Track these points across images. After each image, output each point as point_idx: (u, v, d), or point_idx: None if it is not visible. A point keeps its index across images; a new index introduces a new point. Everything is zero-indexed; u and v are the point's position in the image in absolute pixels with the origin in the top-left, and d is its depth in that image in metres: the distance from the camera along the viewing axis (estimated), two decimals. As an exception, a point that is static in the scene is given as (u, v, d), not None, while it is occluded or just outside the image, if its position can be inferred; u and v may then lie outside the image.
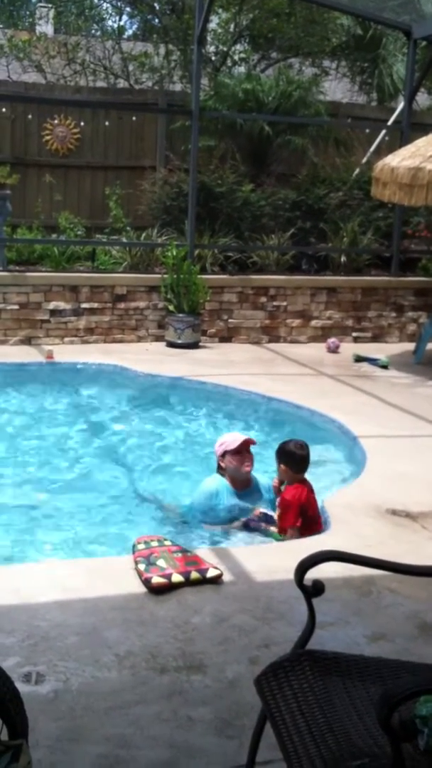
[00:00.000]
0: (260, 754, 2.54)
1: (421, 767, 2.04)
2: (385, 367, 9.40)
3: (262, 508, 5.25)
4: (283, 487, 5.20)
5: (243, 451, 5.28)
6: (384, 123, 12.41)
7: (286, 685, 2.32)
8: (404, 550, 4.41)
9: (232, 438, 5.35)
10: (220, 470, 5.39)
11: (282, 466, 5.15)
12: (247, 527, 5.18)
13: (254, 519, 5.20)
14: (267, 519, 5.19)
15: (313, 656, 2.43)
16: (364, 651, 3.30)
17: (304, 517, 4.95)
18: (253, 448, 5.37)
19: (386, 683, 2.32)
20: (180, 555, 4.11)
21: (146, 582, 3.86)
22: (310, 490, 5.13)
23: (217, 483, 5.34)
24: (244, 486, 5.37)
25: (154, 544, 4.23)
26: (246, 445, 5.29)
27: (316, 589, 2.47)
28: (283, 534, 5.01)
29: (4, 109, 12.20)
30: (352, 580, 4.00)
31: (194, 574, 3.93)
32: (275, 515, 5.14)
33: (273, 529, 5.10)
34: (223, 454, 5.32)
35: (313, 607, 2.50)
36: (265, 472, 5.65)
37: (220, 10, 14.26)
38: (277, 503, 5.15)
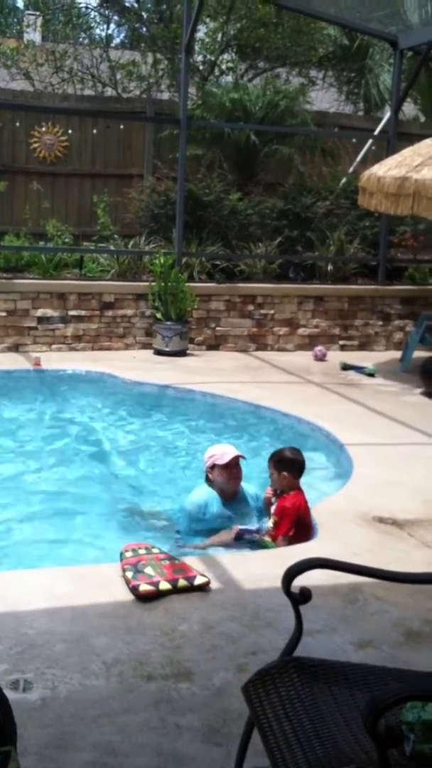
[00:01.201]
0: (248, 761, 2.55)
1: (407, 773, 2.06)
2: (371, 375, 9.44)
3: (240, 526, 5.19)
4: (274, 499, 5.18)
5: (232, 466, 5.28)
6: (370, 133, 12.50)
7: (274, 692, 2.33)
8: (391, 557, 4.43)
9: (222, 451, 5.34)
10: (208, 481, 5.38)
11: (283, 473, 5.11)
12: (239, 539, 5.14)
13: (246, 530, 5.17)
14: (249, 533, 5.16)
15: (300, 663, 2.44)
16: (350, 658, 3.31)
17: (299, 525, 4.95)
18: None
19: (373, 690, 2.33)
20: (167, 563, 4.12)
21: (134, 589, 3.86)
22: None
23: (206, 494, 5.34)
24: (233, 497, 5.38)
25: (142, 551, 4.23)
26: (235, 460, 5.29)
27: (304, 596, 2.48)
28: (274, 541, 5.00)
29: (-9, 117, 12.21)
30: (339, 588, 4.02)
31: (182, 582, 3.93)
32: (269, 523, 5.12)
33: (267, 538, 5.08)
34: (212, 467, 5.31)
35: (300, 614, 2.51)
36: (251, 479, 5.65)
37: (207, 20, 14.33)
38: (272, 511, 5.12)
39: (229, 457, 5.26)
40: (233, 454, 5.29)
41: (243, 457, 5.36)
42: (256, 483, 5.61)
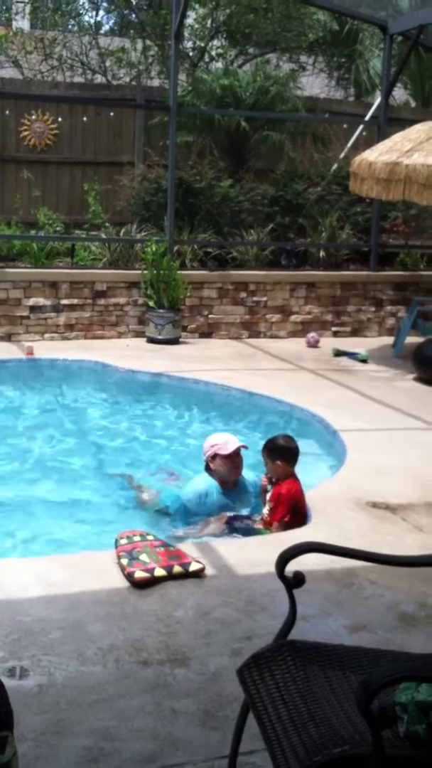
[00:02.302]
0: (243, 744, 2.57)
1: (401, 753, 2.08)
2: (364, 361, 9.46)
3: (229, 513, 5.21)
4: (270, 487, 5.19)
5: (234, 456, 5.27)
6: (361, 118, 12.48)
7: (268, 676, 2.35)
8: (384, 542, 4.45)
9: (223, 441, 5.30)
10: (208, 470, 5.37)
11: (278, 462, 5.10)
12: (231, 526, 5.16)
13: (236, 517, 5.19)
14: (239, 519, 5.18)
15: (294, 647, 2.46)
16: (344, 641, 3.34)
17: (294, 512, 4.96)
18: None
19: (366, 672, 2.36)
20: (162, 549, 4.14)
21: (129, 576, 3.88)
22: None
23: (206, 483, 5.33)
24: (233, 486, 5.38)
25: (137, 539, 4.25)
26: (237, 451, 5.29)
27: (297, 580, 2.50)
28: (269, 527, 5.02)
29: (-19, 105, 12.15)
30: (333, 572, 4.04)
31: (177, 568, 3.95)
32: (264, 511, 5.13)
33: (258, 525, 5.10)
34: (213, 456, 5.30)
35: (294, 598, 2.53)
36: (246, 467, 5.66)
37: (197, 6, 14.24)
38: (268, 498, 5.13)
39: (232, 448, 5.23)
40: (235, 444, 5.26)
41: (245, 447, 5.35)
42: (251, 470, 5.61)
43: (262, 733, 2.21)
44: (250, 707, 2.34)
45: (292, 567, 2.51)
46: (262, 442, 5.33)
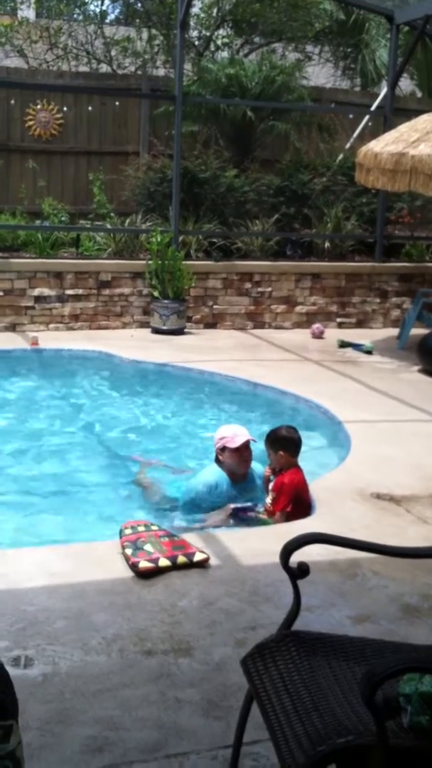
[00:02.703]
0: (247, 734, 2.58)
1: (404, 744, 2.08)
2: (369, 352, 9.45)
3: (233, 504, 5.21)
4: (273, 477, 5.19)
5: (242, 449, 5.26)
6: (367, 108, 12.43)
7: (272, 666, 2.36)
8: (388, 533, 4.46)
9: (232, 433, 5.27)
10: (218, 462, 5.37)
11: (280, 452, 5.10)
12: (235, 517, 5.16)
13: (240, 508, 5.19)
14: (243, 510, 5.18)
15: (298, 637, 2.46)
16: (348, 632, 3.34)
17: (297, 502, 4.97)
18: None
19: (370, 662, 2.36)
20: (167, 539, 4.14)
21: (133, 566, 3.89)
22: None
23: (216, 475, 5.31)
24: (242, 479, 5.37)
25: (141, 529, 4.26)
26: (246, 444, 5.28)
27: (301, 570, 2.50)
28: (271, 517, 5.02)
29: (-14, 95, 12.12)
30: (337, 563, 4.05)
31: (181, 558, 3.96)
32: (267, 501, 5.14)
33: (262, 516, 5.10)
34: (223, 449, 5.29)
35: (298, 588, 2.53)
36: (255, 458, 5.65)
37: (203, -5, 14.21)
38: (271, 487, 5.14)
39: (241, 441, 5.21)
40: (244, 437, 5.23)
41: (254, 440, 5.34)
42: (256, 461, 5.60)
43: (266, 723, 2.21)
44: (254, 697, 2.34)
45: (296, 558, 2.51)
46: (265, 434, 5.33)
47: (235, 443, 5.21)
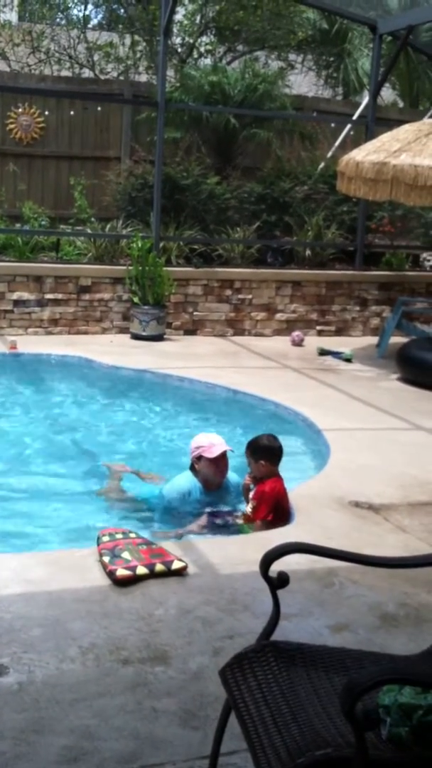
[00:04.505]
0: (225, 745, 2.56)
1: (384, 756, 2.07)
2: (348, 360, 9.47)
3: (209, 509, 5.19)
4: (253, 485, 5.17)
5: (219, 459, 5.23)
6: (349, 117, 12.47)
7: (251, 676, 2.34)
8: (366, 542, 4.45)
9: (209, 442, 5.23)
10: (193, 469, 5.34)
11: (261, 462, 5.08)
12: (212, 522, 5.13)
13: (217, 513, 5.17)
14: (221, 515, 5.16)
15: (277, 647, 2.45)
16: (327, 641, 3.33)
17: (277, 511, 4.95)
18: None
19: (349, 673, 2.35)
20: (145, 547, 4.11)
21: (111, 574, 3.86)
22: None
23: (189, 483, 5.29)
24: (216, 487, 5.35)
25: (119, 536, 4.23)
26: (223, 454, 5.26)
27: (281, 580, 2.49)
28: (249, 524, 5.00)
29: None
30: (315, 572, 4.03)
31: (159, 567, 3.93)
32: (247, 509, 5.11)
33: (239, 521, 5.09)
34: (199, 457, 5.26)
35: (278, 598, 2.52)
36: (231, 468, 5.63)
37: (186, 2, 14.22)
38: (251, 496, 5.11)
39: (217, 452, 5.16)
40: (221, 448, 5.19)
41: (231, 450, 5.32)
42: (234, 472, 5.57)
43: (244, 734, 2.19)
44: (232, 707, 2.32)
45: (274, 566, 2.50)
46: (246, 441, 5.31)
47: (212, 453, 5.17)
